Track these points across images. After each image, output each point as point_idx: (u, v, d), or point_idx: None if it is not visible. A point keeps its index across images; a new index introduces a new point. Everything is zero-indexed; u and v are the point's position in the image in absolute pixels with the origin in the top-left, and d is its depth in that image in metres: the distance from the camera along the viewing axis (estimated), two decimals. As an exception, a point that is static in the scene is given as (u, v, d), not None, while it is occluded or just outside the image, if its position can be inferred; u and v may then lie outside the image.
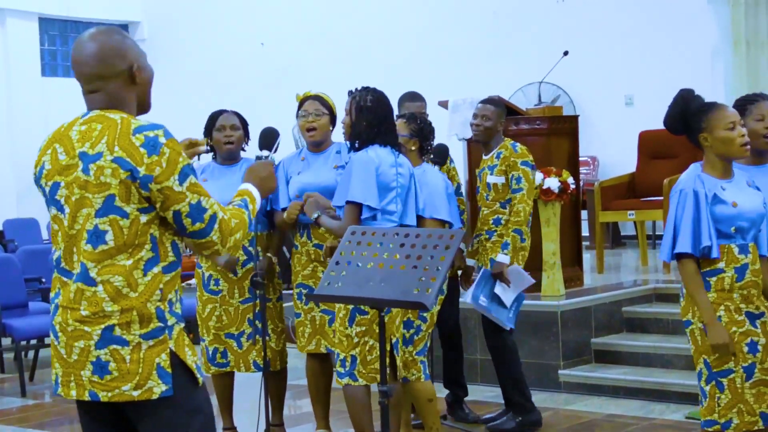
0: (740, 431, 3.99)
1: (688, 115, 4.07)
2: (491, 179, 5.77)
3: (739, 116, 4.06)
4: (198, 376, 2.90)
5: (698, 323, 4.02)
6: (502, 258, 5.62)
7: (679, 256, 4.01)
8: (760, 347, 3.99)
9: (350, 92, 4.84)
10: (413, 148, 5.18)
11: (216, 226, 2.87)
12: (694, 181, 4.03)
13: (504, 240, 5.66)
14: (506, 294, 5.67)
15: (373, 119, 4.73)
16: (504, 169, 5.73)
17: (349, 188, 4.64)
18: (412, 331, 5.08)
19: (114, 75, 2.89)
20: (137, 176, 2.77)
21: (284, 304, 5.66)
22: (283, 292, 5.66)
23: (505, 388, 5.91)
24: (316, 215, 4.77)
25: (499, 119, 5.82)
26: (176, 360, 2.84)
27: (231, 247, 2.92)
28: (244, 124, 5.62)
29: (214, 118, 5.58)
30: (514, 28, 12.61)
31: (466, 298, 5.75)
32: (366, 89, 4.82)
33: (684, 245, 3.97)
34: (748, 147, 4.04)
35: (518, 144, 5.81)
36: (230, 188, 5.47)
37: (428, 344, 5.21)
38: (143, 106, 2.99)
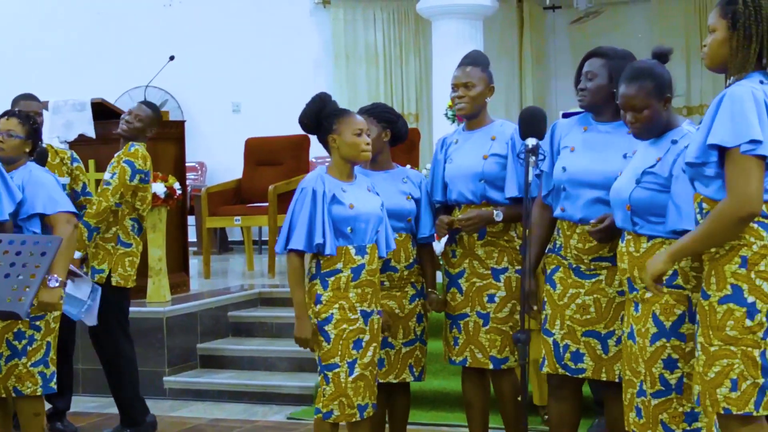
0: (339, 422, 4.24)
1: (323, 116, 4.25)
2: (105, 175, 5.66)
3: (366, 125, 4.30)
4: None
5: (313, 319, 4.19)
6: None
7: (289, 251, 4.17)
8: (363, 344, 4.22)
9: None
10: (27, 150, 4.91)
11: None
12: (315, 181, 4.20)
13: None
14: (77, 289, 5.44)
15: None
16: (114, 164, 5.65)
17: None
18: (24, 341, 4.80)
19: None
20: None
21: None
22: None
23: (116, 393, 5.76)
24: None
25: (150, 126, 5.76)
26: None
27: None
28: None
29: None
30: (119, 29, 12.36)
31: None
32: None
33: (298, 242, 4.14)
34: (370, 154, 4.28)
35: (137, 145, 5.69)
36: None
37: (50, 355, 4.92)
38: None
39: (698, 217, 3.27)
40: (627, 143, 4.02)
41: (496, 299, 4.54)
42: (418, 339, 4.68)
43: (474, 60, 4.64)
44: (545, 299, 4.22)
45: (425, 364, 4.74)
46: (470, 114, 4.62)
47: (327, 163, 4.37)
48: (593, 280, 4.08)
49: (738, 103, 3.11)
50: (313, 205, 4.15)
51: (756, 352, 3.14)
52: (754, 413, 3.17)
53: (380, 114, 4.64)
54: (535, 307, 4.26)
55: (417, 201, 4.68)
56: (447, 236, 4.64)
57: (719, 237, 3.17)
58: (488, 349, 4.55)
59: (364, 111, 4.64)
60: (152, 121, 5.77)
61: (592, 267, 4.07)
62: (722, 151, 3.14)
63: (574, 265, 4.11)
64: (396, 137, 4.68)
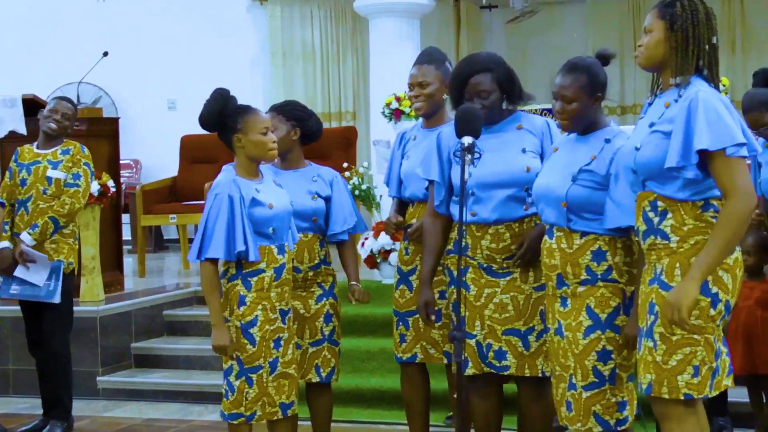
0: (261, 421, 4.19)
1: (225, 115, 4.15)
2: (53, 173, 5.62)
3: (271, 122, 4.23)
4: None
5: (236, 321, 4.11)
6: (25, 237, 5.52)
7: (205, 259, 4.07)
8: (283, 342, 4.18)
9: None
10: None
11: None
12: (229, 186, 4.09)
13: (36, 221, 5.55)
14: (33, 274, 5.50)
15: None
16: (70, 165, 5.64)
17: None
18: None
19: None
20: None
21: None
22: None
23: (56, 393, 5.69)
24: None
25: (73, 123, 5.82)
26: None
27: None
28: None
29: None
30: (52, 24, 12.18)
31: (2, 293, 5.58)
32: None
33: (217, 251, 4.03)
34: (276, 152, 4.21)
35: (84, 146, 5.76)
36: None
37: None
38: None
39: (650, 214, 3.32)
40: (521, 139, 4.09)
41: (447, 295, 4.51)
42: (326, 339, 4.60)
43: (429, 58, 4.60)
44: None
45: (336, 365, 4.65)
46: (427, 113, 4.59)
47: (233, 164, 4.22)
48: (507, 278, 4.07)
49: (712, 109, 3.21)
50: (230, 211, 4.04)
51: (712, 338, 3.27)
52: (709, 395, 3.29)
53: (290, 112, 4.56)
54: (432, 317, 4.21)
55: (327, 199, 4.61)
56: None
57: (738, 238, 3.24)
58: (442, 345, 4.52)
59: (274, 108, 4.59)
60: (75, 117, 5.92)
61: (504, 266, 4.06)
62: (702, 156, 3.21)
63: (485, 265, 4.08)
64: (307, 135, 4.60)
